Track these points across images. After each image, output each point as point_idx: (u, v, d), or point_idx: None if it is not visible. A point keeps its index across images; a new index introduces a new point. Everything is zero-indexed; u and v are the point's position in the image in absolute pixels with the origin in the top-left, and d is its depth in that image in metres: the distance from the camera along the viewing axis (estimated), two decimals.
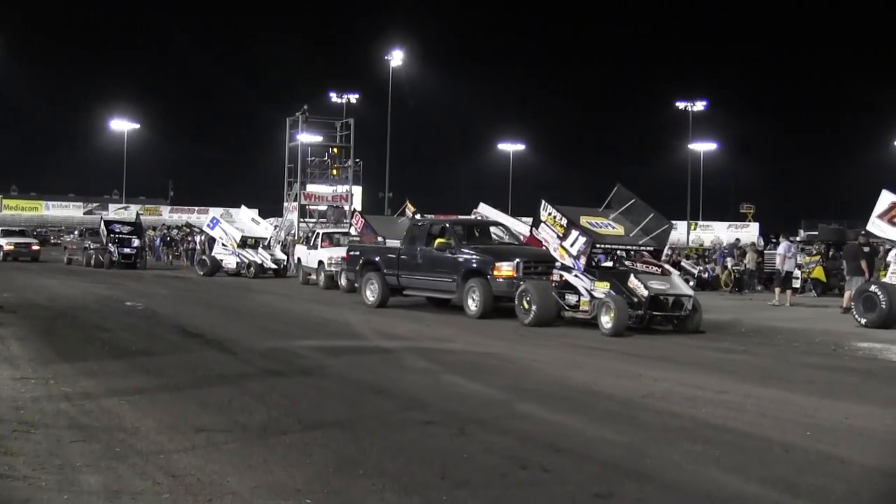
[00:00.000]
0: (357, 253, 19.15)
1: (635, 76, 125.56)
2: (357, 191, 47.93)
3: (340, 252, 23.93)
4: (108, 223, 34.27)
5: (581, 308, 14.56)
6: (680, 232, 68.57)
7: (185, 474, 5.43)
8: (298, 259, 27.39)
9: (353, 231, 22.72)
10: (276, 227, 37.76)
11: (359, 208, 53.16)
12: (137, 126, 73.73)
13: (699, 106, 68.25)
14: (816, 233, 35.40)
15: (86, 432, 6.46)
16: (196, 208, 77.38)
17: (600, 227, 15.19)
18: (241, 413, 7.18)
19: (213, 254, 30.64)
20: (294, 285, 25.89)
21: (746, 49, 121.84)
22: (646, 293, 13.81)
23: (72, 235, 44.40)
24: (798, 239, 37.00)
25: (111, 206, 76.88)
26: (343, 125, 41.95)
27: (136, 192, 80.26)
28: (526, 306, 14.76)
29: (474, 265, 16.27)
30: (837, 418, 7.43)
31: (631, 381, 9.15)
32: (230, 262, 29.92)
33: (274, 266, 29.65)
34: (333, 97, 63.23)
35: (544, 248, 15.46)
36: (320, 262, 24.60)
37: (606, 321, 13.58)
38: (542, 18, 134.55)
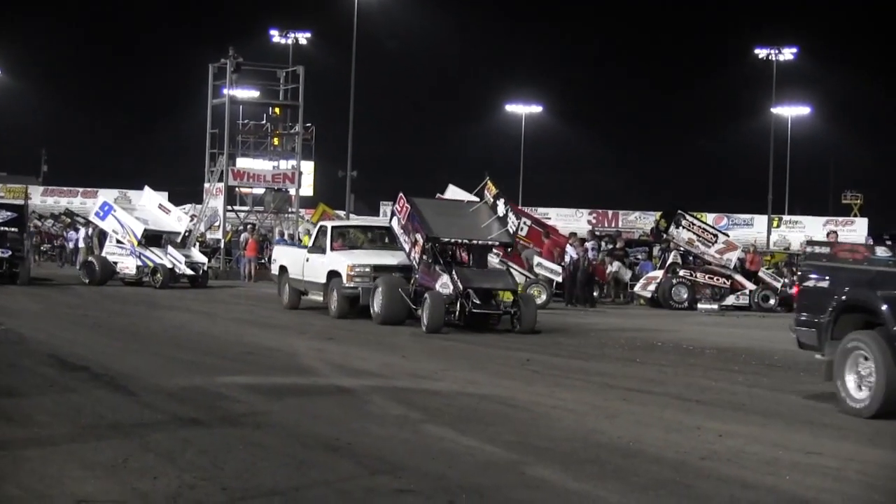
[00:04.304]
0: (825, 283, 11.95)
1: (694, 11, 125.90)
2: (308, 167, 48.03)
3: (371, 259, 21.08)
4: None
5: None
6: (758, 229, 68.95)
7: None
8: (282, 268, 24.05)
9: (394, 223, 20.65)
10: (193, 217, 37.78)
11: (309, 192, 53.53)
12: None
13: (786, 55, 68.57)
14: None
15: None
16: (80, 190, 77.35)
17: None
18: (142, 477, 7.18)
19: (103, 254, 30.59)
20: (220, 299, 25.86)
21: None
22: None
23: None
24: None
25: None
26: (289, 76, 41.95)
27: None
28: None
29: None
30: None
31: (686, 437, 9.19)
32: (128, 265, 29.88)
33: (190, 272, 29.66)
34: (276, 37, 63.48)
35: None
36: (332, 275, 21.27)
37: None
38: None
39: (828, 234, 22.12)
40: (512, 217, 20.17)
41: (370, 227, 25.10)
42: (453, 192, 26.89)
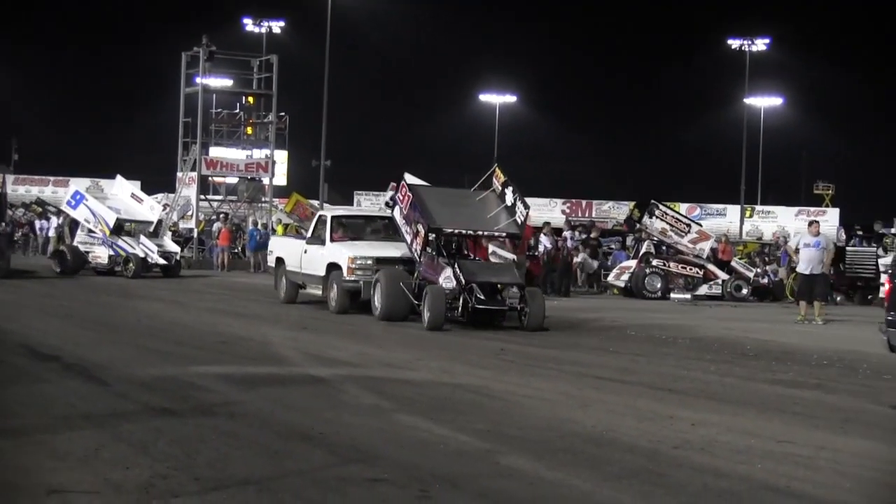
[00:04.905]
0: None
1: (668, 1, 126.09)
2: (281, 156, 47.88)
3: (373, 251, 19.84)
4: None
5: None
6: (731, 219, 69.23)
7: None
8: (279, 260, 22.80)
9: (396, 213, 19.43)
10: (165, 206, 37.62)
11: (283, 181, 53.37)
12: None
13: (759, 45, 68.76)
14: None
15: None
16: (51, 179, 76.63)
17: None
18: (114, 467, 7.15)
19: (75, 243, 30.45)
20: (193, 289, 25.75)
21: None
22: None
23: None
24: (894, 231, 37.54)
25: None
26: (262, 65, 41.80)
27: None
28: None
29: None
30: None
31: (659, 426, 9.23)
32: (100, 254, 29.78)
33: (163, 261, 29.61)
34: (249, 25, 63.17)
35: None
36: (332, 268, 19.92)
37: None
38: None
39: (810, 224, 21.95)
40: (521, 206, 18.67)
41: (372, 217, 23.77)
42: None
